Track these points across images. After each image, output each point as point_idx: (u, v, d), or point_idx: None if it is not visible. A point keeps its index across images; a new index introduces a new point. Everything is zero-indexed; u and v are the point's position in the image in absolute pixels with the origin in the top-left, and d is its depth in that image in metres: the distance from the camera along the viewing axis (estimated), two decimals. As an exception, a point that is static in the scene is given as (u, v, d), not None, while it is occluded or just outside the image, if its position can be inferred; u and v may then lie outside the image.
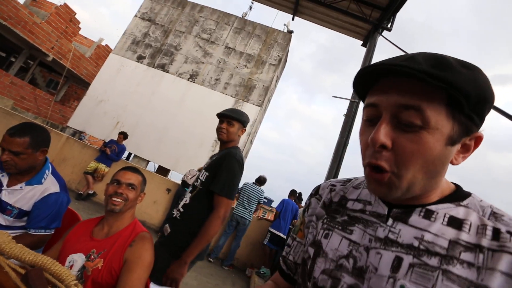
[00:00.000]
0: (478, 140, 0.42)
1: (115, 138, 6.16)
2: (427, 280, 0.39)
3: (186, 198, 1.49)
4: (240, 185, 4.75)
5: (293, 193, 4.82)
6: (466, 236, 0.40)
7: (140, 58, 8.27)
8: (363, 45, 5.46)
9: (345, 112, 4.13)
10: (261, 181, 4.63)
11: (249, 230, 4.61)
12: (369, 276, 0.43)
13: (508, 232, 0.38)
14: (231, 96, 7.83)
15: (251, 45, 8.24)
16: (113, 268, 1.03)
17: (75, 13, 9.81)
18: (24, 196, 1.23)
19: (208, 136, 7.21)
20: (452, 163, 0.42)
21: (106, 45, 11.21)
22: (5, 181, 1.24)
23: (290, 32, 8.27)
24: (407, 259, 0.41)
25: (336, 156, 3.91)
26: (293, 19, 6.34)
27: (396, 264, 0.42)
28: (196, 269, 3.74)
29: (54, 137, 5.17)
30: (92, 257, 1.05)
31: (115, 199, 1.13)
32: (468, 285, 0.37)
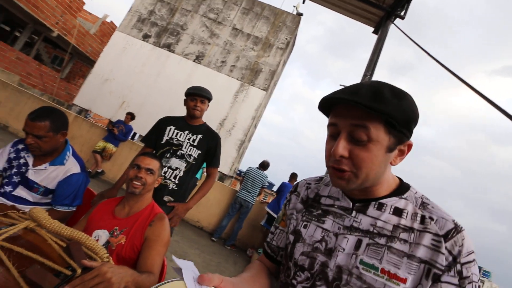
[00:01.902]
0: (409, 146, 0.57)
1: (121, 117, 6.23)
2: (378, 254, 0.55)
3: (180, 173, 1.83)
4: (245, 169, 4.85)
5: (293, 176, 4.91)
6: (404, 221, 0.56)
7: (145, 37, 8.15)
8: (375, 32, 5.33)
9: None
10: (264, 166, 4.72)
11: (251, 213, 4.76)
12: (337, 254, 0.59)
13: (430, 217, 0.55)
14: (237, 79, 7.78)
15: (259, 27, 8.07)
16: (135, 244, 1.14)
17: (80, -13, 9.57)
18: (48, 175, 1.32)
19: (212, 119, 7.25)
20: (391, 164, 0.57)
21: (111, 22, 11.00)
22: (30, 161, 1.32)
23: (300, 14, 8.06)
24: (365, 241, 0.57)
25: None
26: (303, 2, 6.17)
27: (358, 244, 0.57)
28: (200, 248, 3.93)
29: (62, 115, 5.24)
30: (115, 233, 1.16)
31: (136, 182, 1.22)
32: (403, 255, 0.53)
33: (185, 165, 1.82)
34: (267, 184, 4.74)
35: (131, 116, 5.33)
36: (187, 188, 1.90)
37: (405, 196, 0.60)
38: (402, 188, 0.61)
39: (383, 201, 0.59)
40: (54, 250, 0.76)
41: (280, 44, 7.94)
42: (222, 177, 6.99)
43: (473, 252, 0.52)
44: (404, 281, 0.52)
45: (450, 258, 0.51)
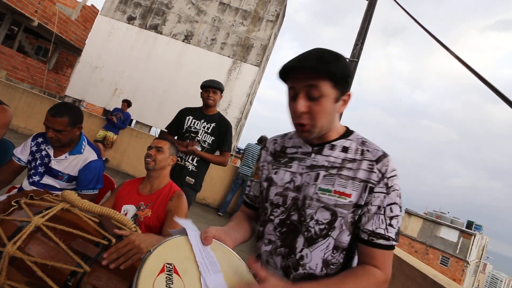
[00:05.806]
0: (349, 96, 0.74)
1: (115, 105, 6.23)
2: (332, 181, 0.72)
3: (198, 156, 2.09)
4: (243, 146, 4.98)
5: None
6: (349, 155, 0.74)
7: (130, 19, 7.89)
8: (364, -4, 5.20)
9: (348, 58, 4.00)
10: (262, 140, 4.85)
11: (254, 187, 4.98)
12: (303, 188, 0.75)
13: (367, 150, 0.74)
14: (228, 56, 7.67)
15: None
16: (159, 216, 1.33)
17: (54, -30, 9.04)
18: (69, 164, 1.47)
19: (208, 99, 7.24)
20: (338, 111, 0.74)
21: (92, 5, 10.53)
22: (51, 152, 1.46)
23: (287, -17, 7.76)
24: (322, 173, 0.74)
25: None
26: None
27: (316, 177, 0.74)
28: (208, 222, 4.17)
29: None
30: (142, 208, 1.35)
31: (147, 159, 1.43)
32: (348, 179, 0.71)
33: (200, 149, 2.09)
34: (267, 159, 4.90)
35: (127, 103, 5.35)
36: (206, 171, 2.19)
37: (350, 138, 0.78)
38: (348, 132, 0.80)
39: (334, 142, 0.77)
40: (90, 225, 0.89)
41: (270, 17, 7.73)
42: (223, 156, 7.15)
43: (395, 170, 0.72)
44: (349, 195, 0.70)
45: (380, 175, 0.70)
